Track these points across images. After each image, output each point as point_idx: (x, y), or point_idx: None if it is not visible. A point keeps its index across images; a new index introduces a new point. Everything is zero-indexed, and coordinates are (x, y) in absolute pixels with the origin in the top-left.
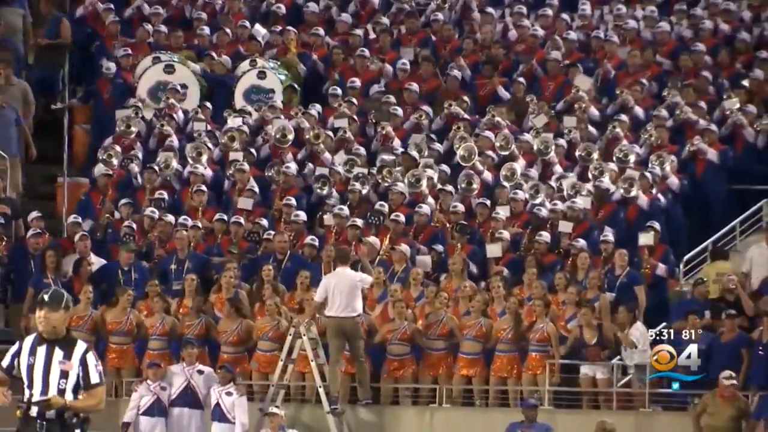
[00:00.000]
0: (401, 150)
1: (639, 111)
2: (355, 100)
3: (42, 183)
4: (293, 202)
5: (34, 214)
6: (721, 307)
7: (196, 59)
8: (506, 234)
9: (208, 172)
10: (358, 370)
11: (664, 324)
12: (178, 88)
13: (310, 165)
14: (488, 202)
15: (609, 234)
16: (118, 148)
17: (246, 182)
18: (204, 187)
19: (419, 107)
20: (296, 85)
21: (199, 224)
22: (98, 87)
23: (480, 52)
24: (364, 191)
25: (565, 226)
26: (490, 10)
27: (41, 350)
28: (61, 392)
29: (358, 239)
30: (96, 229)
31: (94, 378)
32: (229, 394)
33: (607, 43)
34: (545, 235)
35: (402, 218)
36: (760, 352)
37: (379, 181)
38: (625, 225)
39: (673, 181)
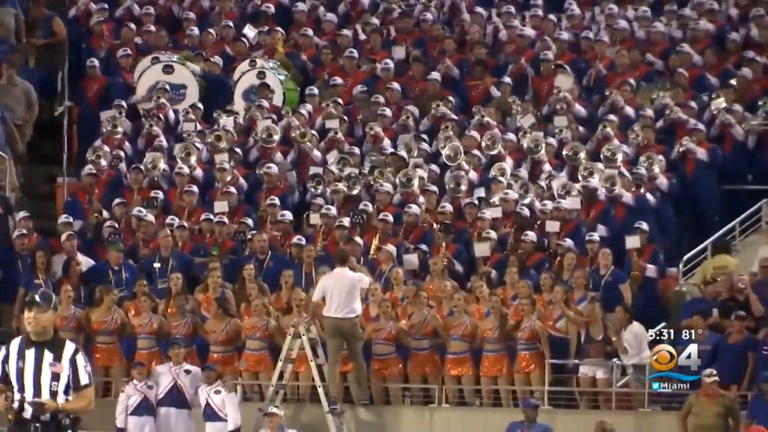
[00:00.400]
0: (390, 150)
1: (629, 111)
2: (340, 100)
3: (42, 183)
4: (277, 201)
5: (22, 214)
6: (730, 307)
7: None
8: (494, 234)
9: (199, 172)
10: (356, 371)
11: (663, 324)
12: (167, 87)
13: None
14: (477, 202)
15: (594, 234)
16: (106, 149)
17: (227, 182)
18: (195, 188)
19: (403, 107)
20: (296, 86)
21: (185, 224)
22: (83, 86)
23: (470, 52)
24: (355, 191)
25: (552, 226)
26: (479, 9)
27: (30, 353)
28: (53, 394)
29: (346, 239)
30: (86, 229)
31: (84, 379)
32: (217, 392)
33: (597, 44)
34: (531, 235)
35: (390, 218)
36: (764, 352)
37: (371, 182)
38: (615, 223)
39: (662, 181)
